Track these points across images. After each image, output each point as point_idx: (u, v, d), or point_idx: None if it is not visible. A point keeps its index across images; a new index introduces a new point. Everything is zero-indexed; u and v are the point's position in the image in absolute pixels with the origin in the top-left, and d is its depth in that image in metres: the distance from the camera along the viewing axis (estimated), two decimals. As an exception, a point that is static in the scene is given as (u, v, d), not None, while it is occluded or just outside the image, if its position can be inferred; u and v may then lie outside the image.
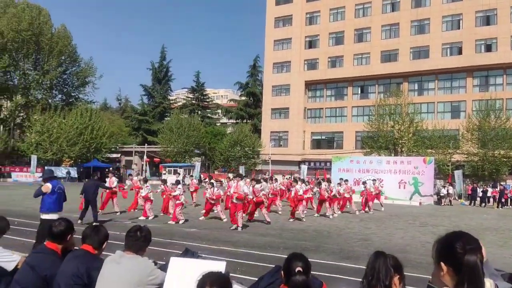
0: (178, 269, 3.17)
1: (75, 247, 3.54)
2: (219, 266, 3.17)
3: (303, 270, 2.51)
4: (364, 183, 24.39)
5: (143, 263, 3.13)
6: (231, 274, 7.44)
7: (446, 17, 48.47)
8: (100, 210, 16.10)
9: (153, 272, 3.12)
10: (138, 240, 3.20)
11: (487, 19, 46.43)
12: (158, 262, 3.86)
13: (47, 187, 8.33)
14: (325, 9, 55.31)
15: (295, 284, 2.44)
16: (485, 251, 1.89)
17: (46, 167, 32.00)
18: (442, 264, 1.82)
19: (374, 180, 24.56)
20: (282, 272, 2.60)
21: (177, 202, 15.26)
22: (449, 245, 1.84)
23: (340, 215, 19.48)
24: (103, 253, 3.50)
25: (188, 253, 3.49)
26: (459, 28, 47.70)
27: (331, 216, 18.38)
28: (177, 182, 16.46)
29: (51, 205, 8.25)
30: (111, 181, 17.75)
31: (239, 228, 13.77)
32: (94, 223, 13.56)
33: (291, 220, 16.75)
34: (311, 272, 2.86)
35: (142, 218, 15.75)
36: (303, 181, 20.92)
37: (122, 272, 3.02)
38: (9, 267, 3.71)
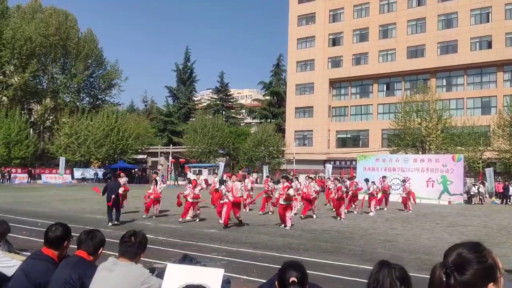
0: (175, 276, 3.00)
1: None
2: (217, 273, 2.99)
3: (298, 281, 2.27)
4: (403, 181, 24.02)
5: (136, 270, 2.97)
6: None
7: (474, 11, 46.95)
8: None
9: (147, 280, 2.95)
10: (132, 246, 3.04)
11: (518, 11, 44.75)
12: (158, 266, 3.72)
13: None
14: (349, 5, 54.47)
15: (287, 296, 2.22)
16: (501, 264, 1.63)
17: None
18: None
19: (384, 177, 23.82)
20: (276, 282, 2.37)
21: (222, 201, 15.29)
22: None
23: (363, 215, 19.07)
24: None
25: (186, 259, 3.32)
26: (488, 21, 46.12)
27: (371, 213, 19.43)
28: (221, 182, 16.39)
29: None
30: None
31: (288, 227, 13.96)
32: (116, 222, 13.75)
33: (339, 219, 16.94)
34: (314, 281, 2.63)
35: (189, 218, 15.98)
36: (339, 180, 20.76)
37: (114, 280, 2.87)
38: (9, 272, 3.62)
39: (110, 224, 13.75)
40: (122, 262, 2.99)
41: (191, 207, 15.70)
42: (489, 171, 34.52)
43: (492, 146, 38.70)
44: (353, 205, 20.41)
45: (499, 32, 44.97)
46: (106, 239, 4.40)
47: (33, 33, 48.63)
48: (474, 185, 31.20)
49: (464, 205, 27.76)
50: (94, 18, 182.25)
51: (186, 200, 15.56)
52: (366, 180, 21.57)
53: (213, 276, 2.99)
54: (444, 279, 1.51)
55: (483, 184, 32.29)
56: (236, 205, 14.28)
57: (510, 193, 30.57)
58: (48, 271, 3.21)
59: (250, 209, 19.95)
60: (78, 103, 55.22)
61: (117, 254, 3.13)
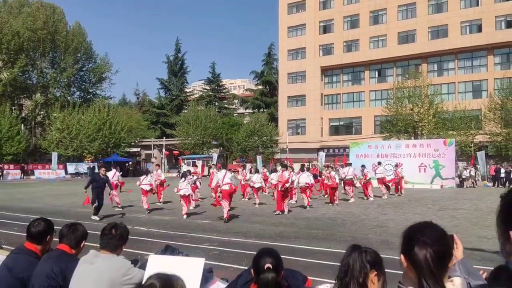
0: (157, 266, 3.03)
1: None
2: (197, 262, 3.03)
3: (273, 267, 2.31)
4: (396, 166, 24.49)
5: (118, 262, 2.99)
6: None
7: (464, -6, 46.98)
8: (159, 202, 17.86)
9: (129, 271, 2.97)
10: (113, 239, 3.05)
11: (507, -6, 44.74)
12: (142, 259, 3.74)
13: None
14: (339, -8, 54.19)
15: (263, 283, 2.25)
16: (461, 249, 1.69)
17: None
18: (402, 256, 1.63)
19: (379, 163, 24.07)
20: (252, 270, 2.41)
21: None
22: (409, 236, 1.65)
23: (356, 202, 19.24)
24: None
25: (168, 250, 3.34)
26: (478, 5, 46.12)
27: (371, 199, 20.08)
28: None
29: None
30: (158, 173, 18.70)
31: (285, 212, 14.89)
32: (93, 217, 13.59)
33: (330, 204, 17.73)
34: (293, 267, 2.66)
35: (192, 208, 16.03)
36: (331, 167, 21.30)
37: (95, 273, 2.89)
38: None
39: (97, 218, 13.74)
40: (103, 255, 3.01)
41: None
42: (480, 155, 34.80)
43: (483, 130, 39.00)
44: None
45: (489, 16, 45.01)
46: (92, 232, 4.42)
47: (20, 27, 48.12)
48: (465, 168, 31.48)
49: (456, 189, 28.02)
50: (82, 10, 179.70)
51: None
52: (363, 167, 21.79)
53: (194, 265, 3.02)
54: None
55: (476, 167, 32.62)
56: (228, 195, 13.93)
57: (501, 176, 30.90)
58: (30, 265, 3.22)
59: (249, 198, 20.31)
60: (68, 98, 54.90)
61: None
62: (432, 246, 1.59)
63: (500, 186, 30.38)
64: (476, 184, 30.83)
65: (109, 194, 15.99)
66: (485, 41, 44.95)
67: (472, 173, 30.92)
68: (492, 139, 38.70)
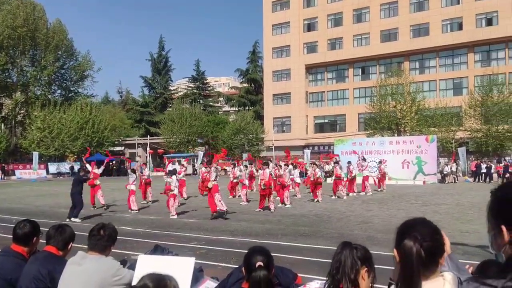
0: (146, 266, 3.02)
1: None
2: (188, 262, 3.03)
3: (264, 265, 2.33)
4: (380, 162, 25.02)
5: (107, 263, 2.96)
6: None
7: (445, -8, 47.68)
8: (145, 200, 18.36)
9: (118, 272, 2.95)
10: (101, 240, 3.03)
11: (488, -8, 45.58)
12: (130, 259, 3.74)
13: None
14: (322, -10, 54.43)
15: (255, 281, 2.27)
16: (448, 244, 1.73)
17: None
18: (395, 251, 1.66)
19: (363, 159, 24.36)
20: (243, 268, 2.43)
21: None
22: (402, 231, 1.69)
23: (341, 199, 19.41)
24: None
25: (157, 250, 3.33)
26: (459, 3, 46.86)
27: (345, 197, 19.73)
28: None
29: None
30: (145, 172, 18.92)
31: (272, 210, 15.05)
32: (68, 219, 13.24)
33: (315, 200, 18.06)
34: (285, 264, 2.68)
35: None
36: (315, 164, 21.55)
37: (84, 274, 2.86)
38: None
39: (67, 220, 13.09)
40: (91, 256, 2.98)
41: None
42: (461, 151, 35.41)
43: (464, 126, 39.70)
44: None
45: (470, 14, 45.78)
46: (79, 233, 4.38)
47: (0, 25, 47.14)
48: (447, 164, 32.02)
49: (438, 185, 28.47)
50: (63, 7, 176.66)
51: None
52: (349, 163, 22.00)
53: (184, 265, 3.02)
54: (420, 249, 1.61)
55: (457, 163, 33.19)
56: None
57: (482, 171, 31.50)
58: (18, 267, 3.19)
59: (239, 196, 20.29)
60: (49, 96, 53.93)
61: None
62: (423, 241, 1.62)
63: (481, 181, 30.99)
64: (457, 180, 31.40)
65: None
66: (466, 39, 45.73)
67: (453, 169, 31.47)
68: (472, 136, 39.42)
